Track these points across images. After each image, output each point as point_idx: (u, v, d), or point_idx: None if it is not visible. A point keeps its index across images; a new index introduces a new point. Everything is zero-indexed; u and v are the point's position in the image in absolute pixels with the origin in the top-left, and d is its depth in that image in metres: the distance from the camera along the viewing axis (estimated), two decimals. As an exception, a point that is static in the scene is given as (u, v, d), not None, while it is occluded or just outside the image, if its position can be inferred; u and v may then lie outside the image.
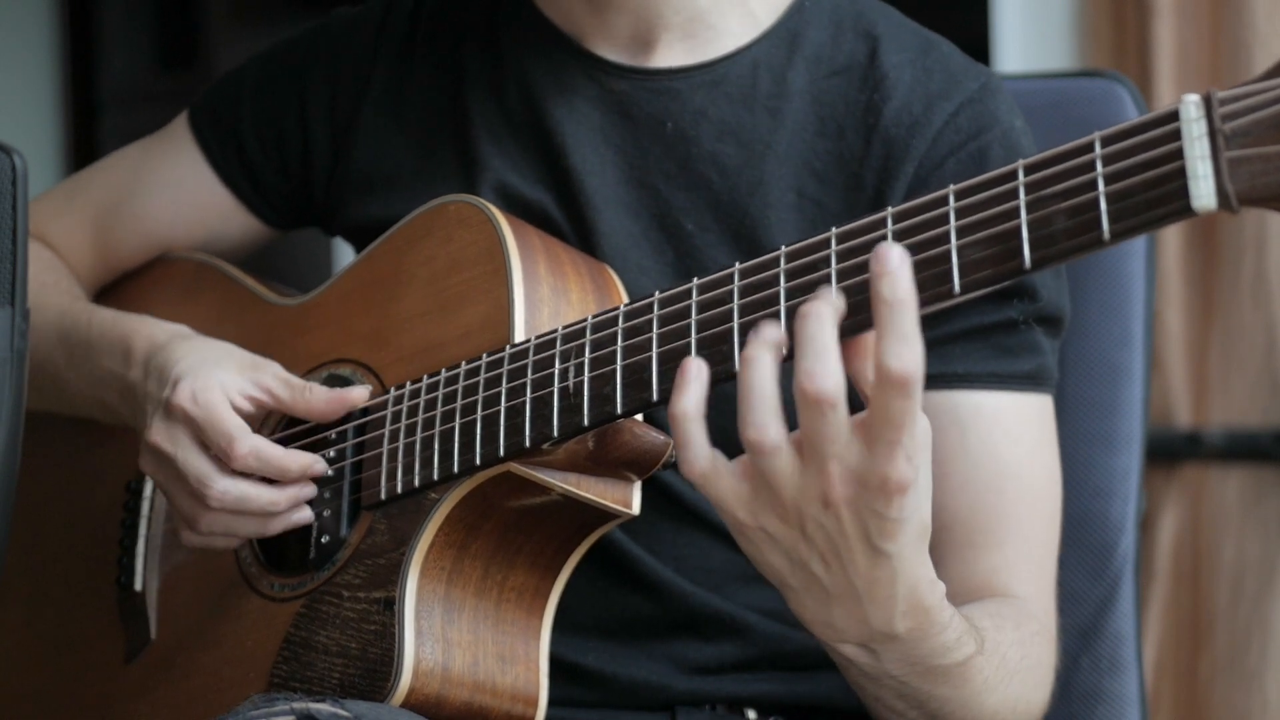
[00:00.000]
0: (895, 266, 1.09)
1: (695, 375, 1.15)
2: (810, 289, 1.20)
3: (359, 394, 1.47)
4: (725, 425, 1.50)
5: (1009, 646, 1.35)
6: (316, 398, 1.47)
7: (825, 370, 1.10)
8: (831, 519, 1.14)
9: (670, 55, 1.56)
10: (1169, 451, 2.53)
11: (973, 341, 1.49)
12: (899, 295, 1.09)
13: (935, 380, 1.48)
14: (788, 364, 1.14)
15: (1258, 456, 2.49)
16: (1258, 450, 2.49)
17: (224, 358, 1.50)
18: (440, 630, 1.38)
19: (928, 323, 1.47)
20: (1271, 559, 2.47)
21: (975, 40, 2.74)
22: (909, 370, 1.09)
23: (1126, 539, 1.77)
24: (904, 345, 1.09)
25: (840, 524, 1.14)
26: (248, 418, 1.47)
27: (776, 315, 1.21)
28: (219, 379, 1.47)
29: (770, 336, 1.13)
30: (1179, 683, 2.54)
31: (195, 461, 1.45)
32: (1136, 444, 1.79)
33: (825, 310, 1.11)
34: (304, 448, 1.49)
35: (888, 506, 1.13)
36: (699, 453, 1.15)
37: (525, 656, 1.42)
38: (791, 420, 1.13)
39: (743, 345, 1.22)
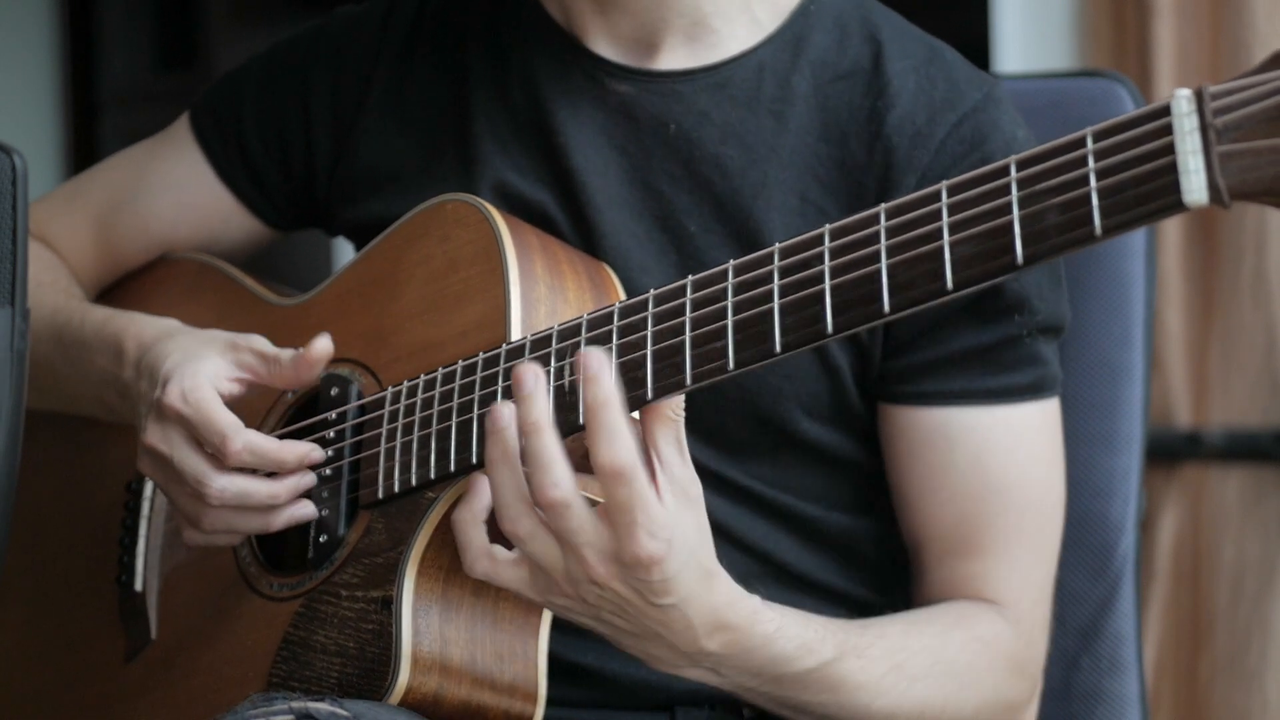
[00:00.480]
0: (596, 370, 1.22)
1: (481, 490, 1.30)
2: (806, 285, 1.21)
3: (320, 346, 1.47)
4: (724, 421, 1.51)
5: (914, 653, 1.41)
6: (285, 365, 1.48)
7: (554, 480, 1.23)
8: (607, 591, 1.27)
9: (674, 58, 1.56)
10: (1169, 451, 2.53)
11: (971, 362, 1.49)
12: (601, 397, 1.21)
13: (929, 398, 1.50)
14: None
15: (1258, 456, 2.49)
16: (1258, 450, 2.49)
17: (206, 345, 1.50)
18: (438, 629, 1.38)
19: (923, 344, 1.49)
20: (1271, 559, 2.47)
21: (975, 40, 2.74)
22: (621, 463, 1.21)
23: (1127, 539, 1.77)
24: (613, 441, 1.21)
25: (616, 594, 1.27)
26: (242, 409, 1.47)
27: (770, 313, 1.22)
28: (206, 372, 1.46)
29: (502, 426, 1.26)
30: (1179, 683, 2.54)
31: (191, 461, 1.45)
32: (1137, 444, 1.79)
33: (611, 395, 1.22)
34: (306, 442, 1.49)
35: (649, 574, 1.24)
36: (478, 554, 1.31)
37: (523, 655, 1.42)
38: None
39: (737, 344, 1.23)
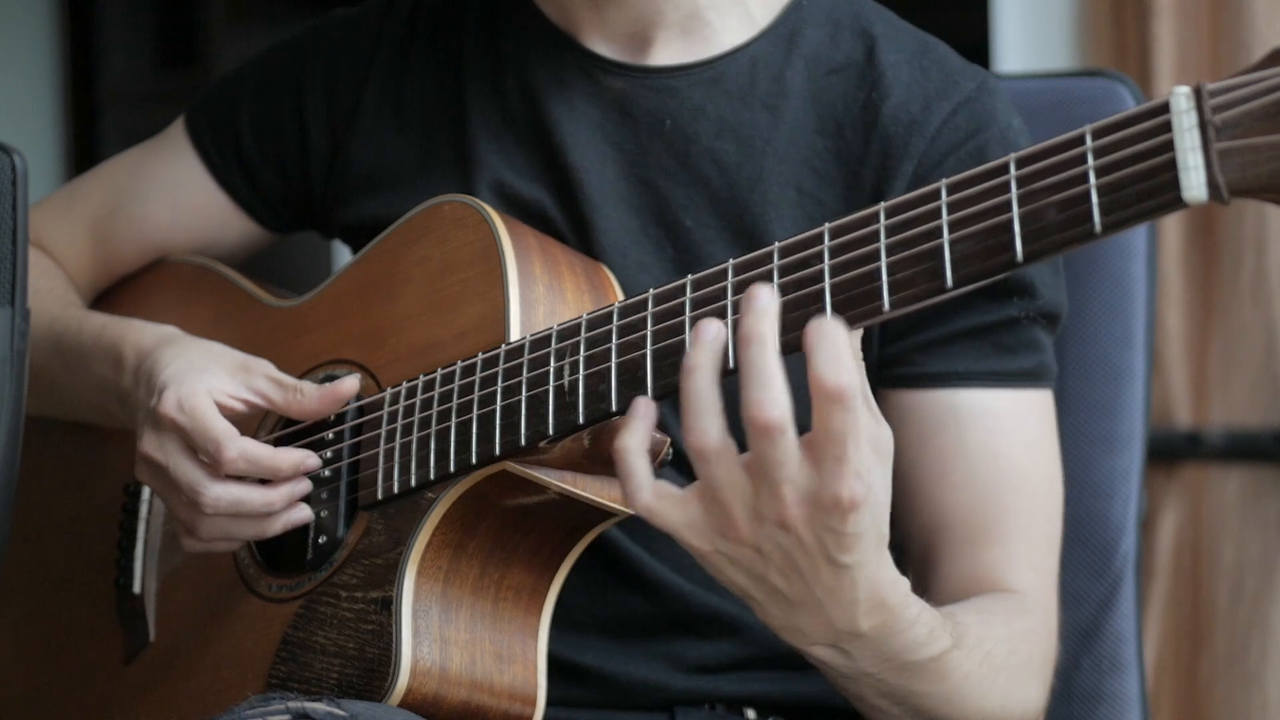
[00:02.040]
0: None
1: (644, 414, 1.18)
2: (805, 284, 1.21)
3: (349, 385, 1.47)
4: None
5: (995, 643, 1.36)
6: (308, 397, 1.47)
7: (771, 398, 1.13)
8: (790, 538, 1.16)
9: (668, 53, 1.56)
10: (1169, 451, 2.53)
11: (973, 340, 1.49)
12: (825, 318, 1.13)
13: (936, 379, 1.49)
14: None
15: (1258, 456, 2.49)
16: (1258, 450, 2.49)
17: (211, 361, 1.50)
18: (437, 629, 1.38)
19: (927, 323, 1.49)
20: (1271, 559, 2.47)
21: (975, 40, 2.75)
22: (843, 384, 1.11)
23: (1127, 539, 1.77)
24: (836, 362, 1.11)
25: (798, 541, 1.16)
26: (240, 418, 1.47)
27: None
28: (205, 384, 1.46)
29: (710, 338, 1.15)
30: (1179, 683, 2.54)
31: (187, 469, 1.45)
32: (1137, 444, 1.79)
33: (767, 334, 1.14)
34: (301, 449, 1.48)
35: (843, 523, 1.15)
36: (642, 485, 1.18)
37: (523, 655, 1.42)
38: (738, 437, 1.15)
39: (737, 341, 1.22)
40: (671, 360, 1.26)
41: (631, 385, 1.28)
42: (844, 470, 1.13)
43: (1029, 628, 1.43)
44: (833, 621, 1.22)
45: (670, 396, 1.26)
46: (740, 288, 1.24)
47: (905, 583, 1.24)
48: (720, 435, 1.15)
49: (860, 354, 1.17)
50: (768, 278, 1.23)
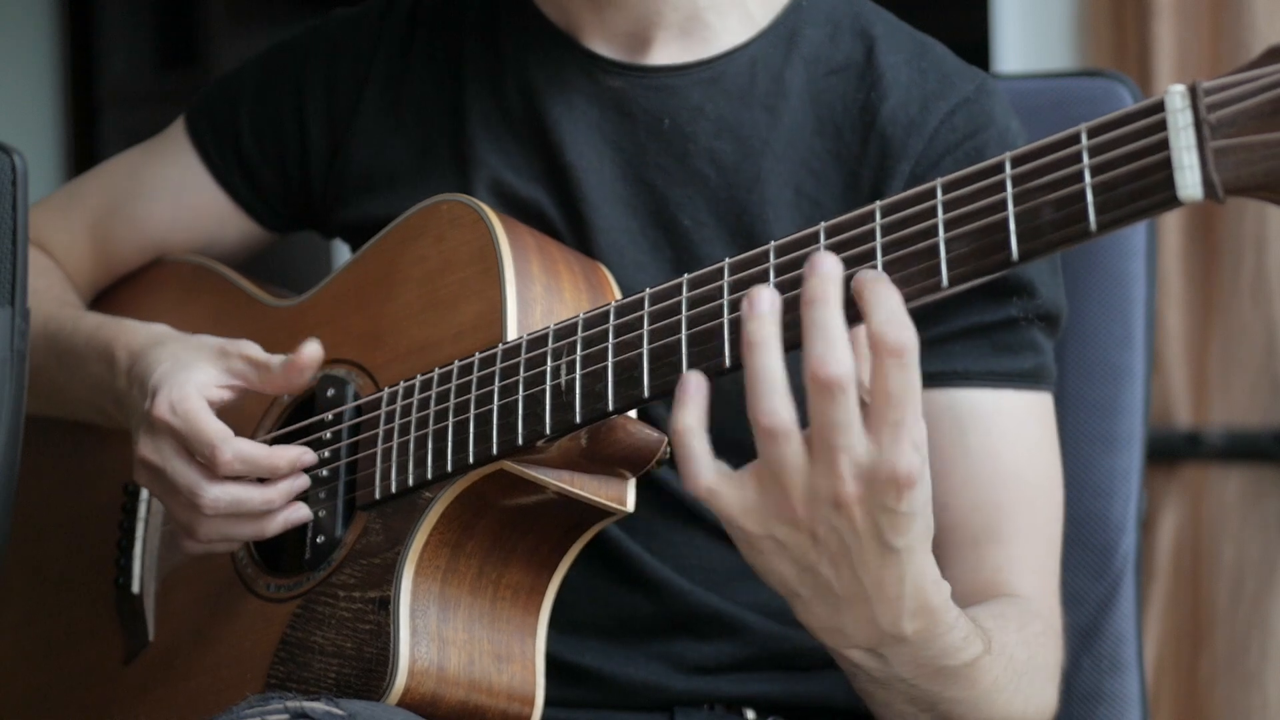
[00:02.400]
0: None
1: (696, 389, 1.15)
2: (800, 283, 1.20)
3: (310, 350, 1.44)
4: (722, 419, 1.51)
5: (1015, 646, 1.35)
6: (275, 370, 1.46)
7: (836, 355, 1.11)
8: (843, 518, 1.14)
9: (667, 53, 1.56)
10: (1169, 451, 2.53)
11: (972, 340, 1.49)
12: (870, 273, 1.12)
13: (934, 378, 1.49)
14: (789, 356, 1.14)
15: (1258, 456, 2.49)
16: (1258, 450, 2.49)
17: (195, 353, 1.50)
18: (435, 629, 1.38)
19: (926, 322, 1.48)
20: (1271, 559, 2.47)
21: (975, 40, 2.75)
22: (904, 340, 1.10)
23: (1127, 539, 1.77)
24: (895, 319, 1.10)
25: (852, 522, 1.14)
26: (238, 413, 1.47)
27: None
28: (194, 381, 1.46)
29: (767, 309, 1.13)
30: (1179, 683, 2.54)
31: (184, 472, 1.44)
32: (1137, 444, 1.79)
33: (832, 293, 1.12)
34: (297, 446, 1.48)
35: (898, 500, 1.13)
36: (703, 466, 1.15)
37: (521, 655, 1.42)
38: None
39: (733, 340, 1.22)
40: (668, 360, 1.26)
41: (628, 384, 1.28)
42: (901, 437, 1.11)
43: (1039, 631, 1.43)
44: (878, 621, 1.20)
45: (666, 396, 1.26)
46: (736, 287, 1.24)
47: (948, 587, 1.22)
48: (790, 413, 1.12)
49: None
50: (764, 277, 1.23)
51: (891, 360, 1.10)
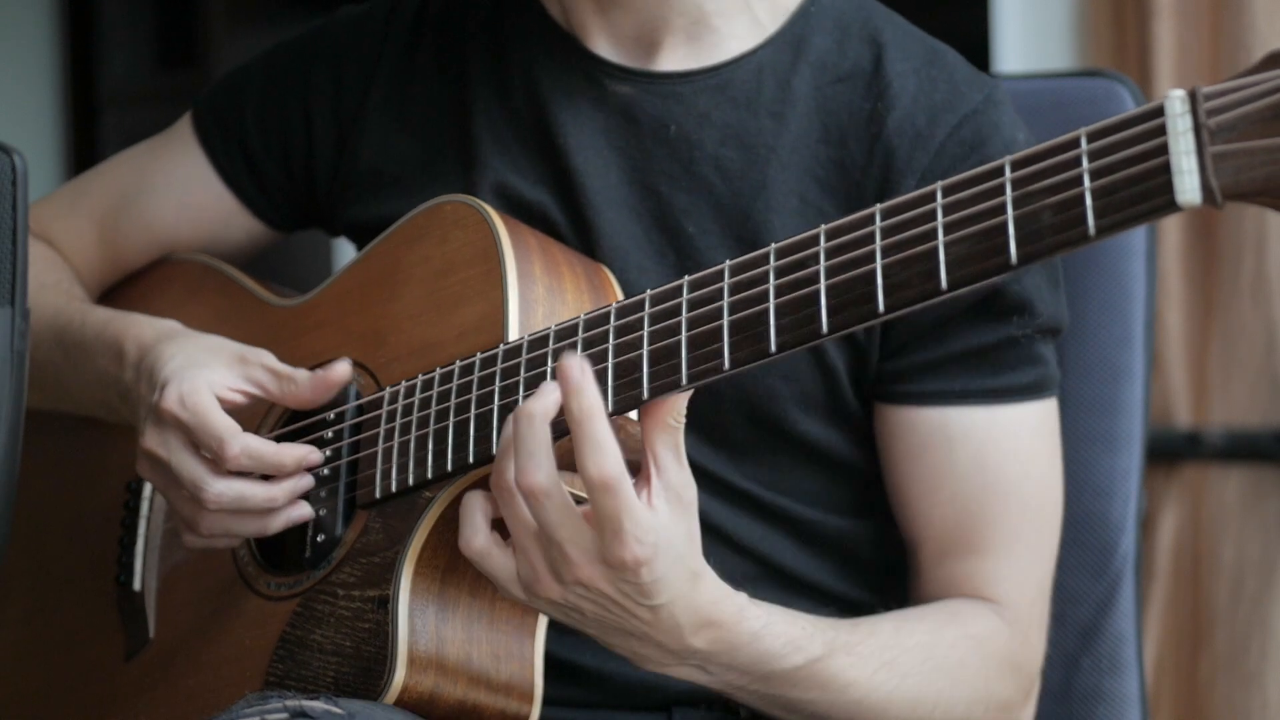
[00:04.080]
0: (577, 382, 1.22)
1: (474, 512, 1.31)
2: (801, 285, 1.21)
3: (340, 371, 1.46)
4: (721, 421, 1.51)
5: (907, 650, 1.41)
6: (301, 385, 1.47)
7: (535, 466, 1.23)
8: (592, 593, 1.28)
9: (674, 59, 1.56)
10: (1169, 451, 2.53)
11: (970, 361, 1.49)
12: (584, 407, 1.22)
13: (931, 397, 1.50)
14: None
15: (1258, 456, 2.49)
16: (1258, 450, 2.49)
17: (211, 355, 1.50)
18: (434, 628, 1.38)
19: (925, 343, 1.49)
20: (1271, 559, 2.47)
21: (975, 40, 2.74)
22: (607, 474, 1.21)
23: (1127, 539, 1.77)
24: (599, 453, 1.21)
25: (602, 594, 1.27)
26: (240, 413, 1.47)
27: (765, 313, 1.22)
28: (206, 378, 1.46)
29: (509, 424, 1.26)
30: (1179, 683, 2.54)
31: (189, 465, 1.45)
32: (1137, 444, 1.79)
33: (537, 410, 1.23)
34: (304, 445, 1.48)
35: (636, 576, 1.24)
36: (475, 530, 1.31)
37: (520, 654, 1.42)
38: None
39: (733, 344, 1.23)
40: (669, 361, 1.26)
41: (628, 385, 1.28)
42: (623, 538, 1.23)
43: (969, 634, 1.45)
44: (664, 645, 1.30)
45: (667, 394, 1.27)
46: (737, 289, 1.24)
47: (739, 597, 1.32)
48: (519, 503, 1.26)
49: (683, 414, 1.26)
50: (764, 279, 1.23)
51: (600, 493, 1.22)
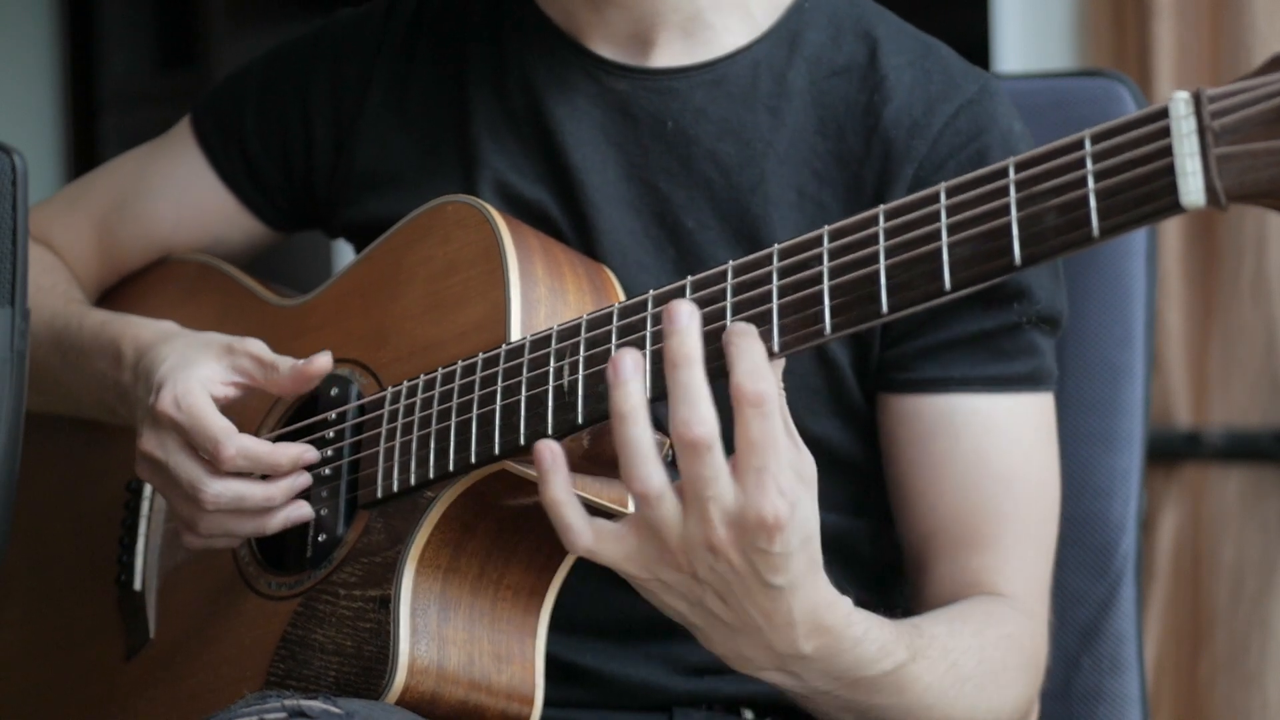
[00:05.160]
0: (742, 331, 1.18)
1: (553, 460, 1.21)
2: (805, 286, 1.21)
3: (321, 362, 1.46)
4: (723, 420, 1.51)
5: (964, 652, 1.38)
6: (282, 374, 1.47)
7: (699, 417, 1.17)
8: (720, 562, 1.20)
9: (669, 55, 1.56)
10: (1169, 451, 2.53)
11: (970, 347, 1.49)
12: (738, 326, 1.19)
13: (932, 384, 1.49)
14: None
15: (1258, 456, 2.49)
16: (1258, 450, 2.49)
17: (201, 350, 1.50)
18: (435, 628, 1.38)
19: (925, 328, 1.49)
20: (1271, 559, 2.47)
21: (975, 40, 2.75)
22: (761, 390, 1.16)
23: (1127, 539, 1.77)
24: (756, 370, 1.16)
25: (729, 565, 1.20)
26: (240, 413, 1.47)
27: (769, 314, 1.23)
28: (199, 377, 1.47)
29: (630, 372, 1.19)
30: (1179, 683, 2.54)
31: (186, 466, 1.45)
32: (1137, 444, 1.79)
33: (691, 350, 1.18)
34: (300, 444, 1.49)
35: (770, 543, 1.19)
36: (580, 530, 1.22)
37: (521, 655, 1.42)
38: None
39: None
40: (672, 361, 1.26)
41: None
42: (765, 483, 1.17)
43: (1006, 634, 1.44)
44: (774, 645, 1.25)
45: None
46: (739, 289, 1.24)
47: (845, 602, 1.27)
48: (661, 477, 1.19)
49: (782, 383, 1.21)
50: (767, 280, 1.23)
51: (752, 411, 1.16)
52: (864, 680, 1.30)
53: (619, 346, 1.29)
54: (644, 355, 1.23)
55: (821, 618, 1.25)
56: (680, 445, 1.17)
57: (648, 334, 1.28)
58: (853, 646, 1.27)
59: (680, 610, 1.26)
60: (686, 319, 1.18)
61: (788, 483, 1.18)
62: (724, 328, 1.23)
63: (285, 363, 1.48)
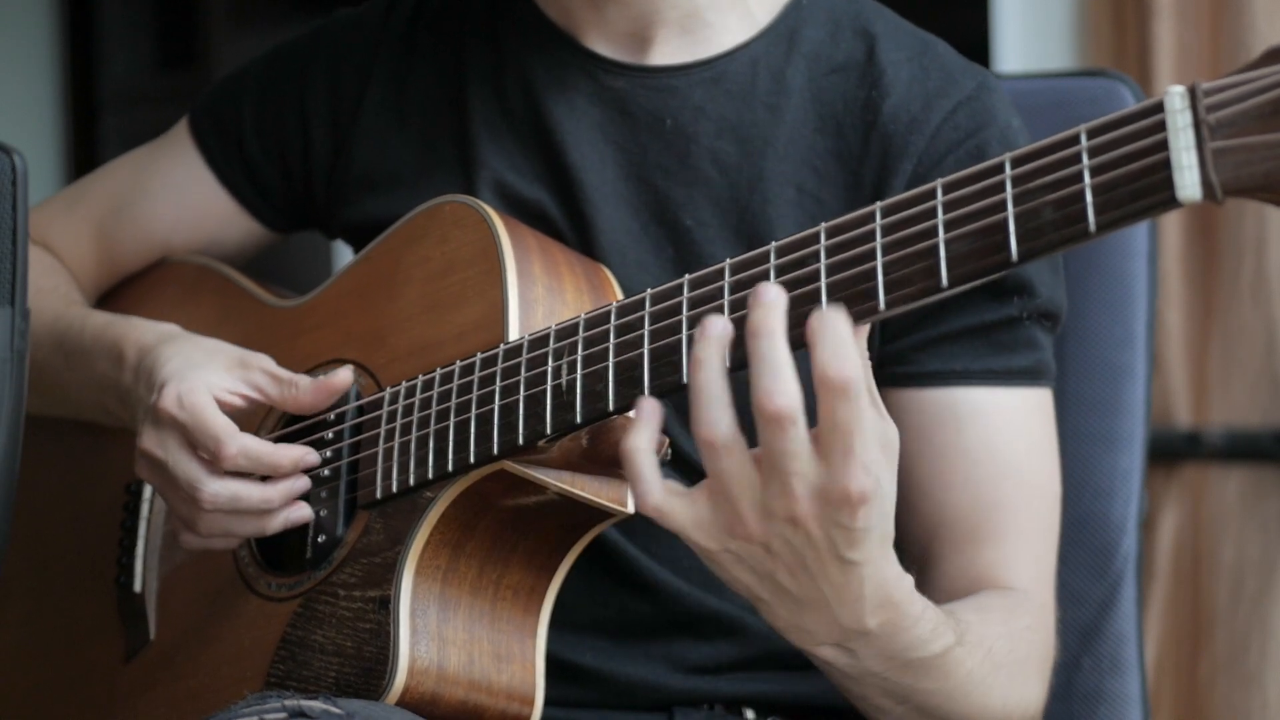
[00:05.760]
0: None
1: (651, 413, 1.18)
2: (801, 284, 1.21)
3: (342, 378, 1.47)
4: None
5: (996, 639, 1.36)
6: (303, 390, 1.47)
7: (781, 388, 1.13)
8: (798, 534, 1.17)
9: (668, 53, 1.56)
10: (1169, 451, 2.53)
11: (971, 339, 1.49)
12: (827, 309, 1.13)
13: (934, 378, 1.49)
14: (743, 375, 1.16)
15: (1258, 456, 2.49)
16: (1258, 450, 2.49)
17: (210, 357, 1.50)
18: (435, 629, 1.38)
19: (925, 321, 1.49)
20: (1271, 559, 2.47)
21: (975, 40, 2.75)
22: (846, 375, 1.12)
23: (1128, 539, 1.77)
24: (841, 351, 1.12)
25: (807, 538, 1.17)
26: (240, 414, 1.47)
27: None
28: (205, 380, 1.47)
29: (716, 333, 1.16)
30: (1179, 683, 2.54)
31: (186, 465, 1.45)
32: (1138, 444, 1.79)
33: (776, 324, 1.14)
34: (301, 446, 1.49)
35: (852, 519, 1.15)
36: (650, 483, 1.18)
37: (521, 655, 1.42)
38: (750, 436, 1.16)
39: (734, 342, 1.22)
40: (668, 360, 1.26)
41: (628, 385, 1.28)
42: (851, 463, 1.13)
43: (1027, 625, 1.43)
44: (840, 620, 1.22)
45: (669, 395, 1.27)
46: (736, 288, 1.24)
47: (909, 579, 1.24)
48: (730, 426, 1.15)
49: (866, 351, 1.18)
50: (764, 277, 1.23)
51: (836, 395, 1.12)
52: (915, 662, 1.28)
53: (615, 346, 1.29)
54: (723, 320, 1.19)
55: (890, 593, 1.22)
56: (763, 417, 1.13)
57: (645, 333, 1.28)
58: (912, 625, 1.25)
59: (747, 583, 1.22)
60: (775, 294, 1.15)
61: (872, 458, 1.15)
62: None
63: (304, 380, 1.48)
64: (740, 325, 1.19)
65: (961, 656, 1.31)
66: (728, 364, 1.16)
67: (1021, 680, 1.40)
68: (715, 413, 1.15)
